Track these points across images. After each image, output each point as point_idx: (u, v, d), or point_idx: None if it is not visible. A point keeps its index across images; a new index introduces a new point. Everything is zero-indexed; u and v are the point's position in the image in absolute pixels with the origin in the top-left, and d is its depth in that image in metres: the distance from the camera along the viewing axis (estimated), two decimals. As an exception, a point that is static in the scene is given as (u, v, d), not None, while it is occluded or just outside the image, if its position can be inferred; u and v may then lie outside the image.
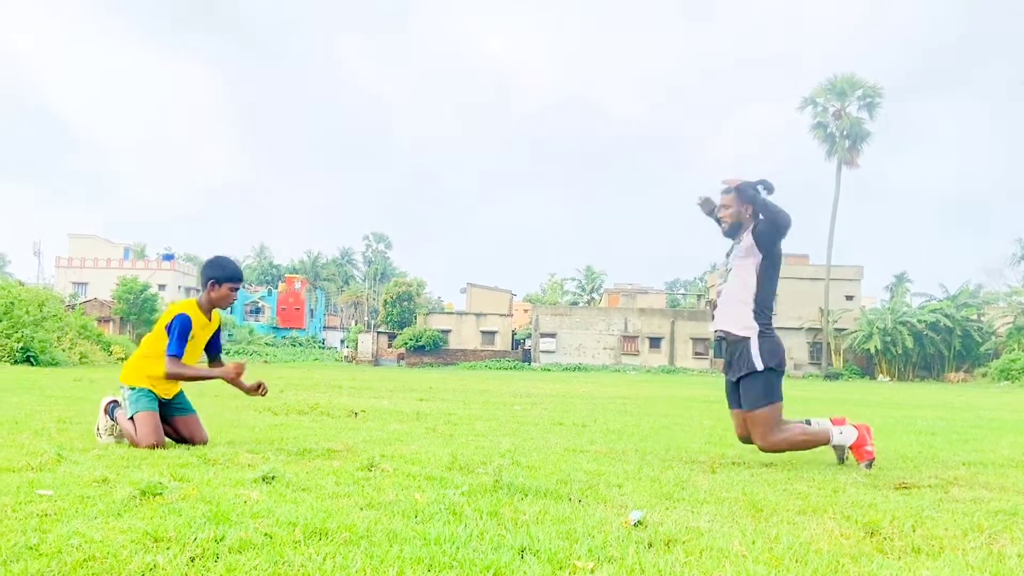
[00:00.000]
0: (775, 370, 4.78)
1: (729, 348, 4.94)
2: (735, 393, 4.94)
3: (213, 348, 5.18)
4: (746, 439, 4.94)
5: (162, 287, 72.94)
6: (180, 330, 4.78)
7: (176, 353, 4.76)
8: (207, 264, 4.99)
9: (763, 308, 4.83)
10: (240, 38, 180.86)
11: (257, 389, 5.00)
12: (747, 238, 4.84)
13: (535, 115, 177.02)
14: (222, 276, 4.91)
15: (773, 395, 4.75)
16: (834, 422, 4.94)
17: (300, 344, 77.85)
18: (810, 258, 58.47)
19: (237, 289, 5.02)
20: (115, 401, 4.99)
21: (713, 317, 5.09)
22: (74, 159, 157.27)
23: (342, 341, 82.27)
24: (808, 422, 4.93)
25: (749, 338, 4.78)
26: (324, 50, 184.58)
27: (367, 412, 8.44)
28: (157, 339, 4.87)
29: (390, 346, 64.63)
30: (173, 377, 4.80)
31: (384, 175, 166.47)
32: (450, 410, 9.33)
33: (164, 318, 4.89)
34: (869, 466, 4.79)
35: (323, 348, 79.17)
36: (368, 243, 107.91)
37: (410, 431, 6.43)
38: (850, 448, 4.89)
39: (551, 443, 5.78)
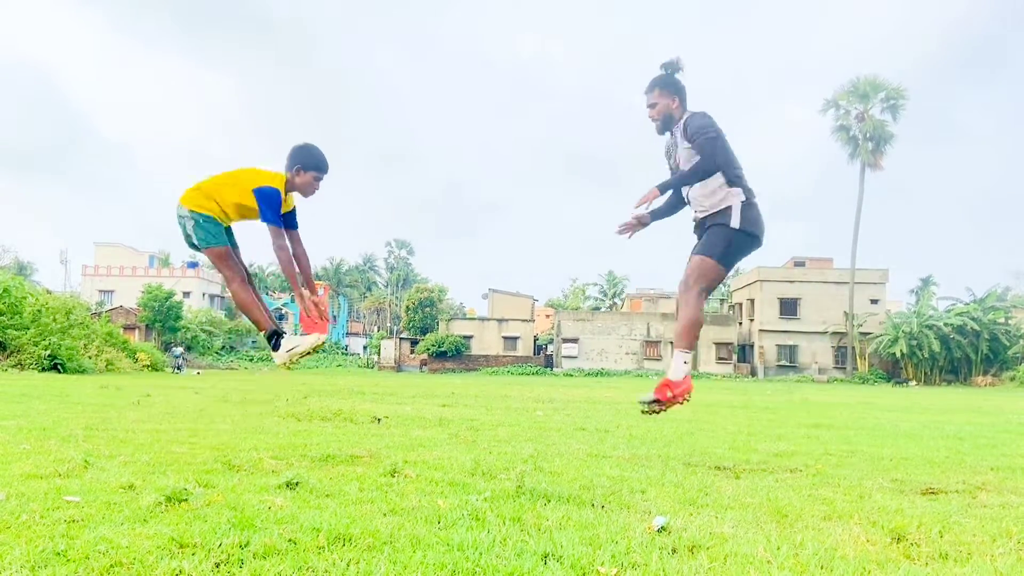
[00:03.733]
0: (746, 234, 4.58)
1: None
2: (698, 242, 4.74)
3: (291, 224, 4.96)
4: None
5: (187, 294, 73.53)
6: (273, 203, 4.61)
7: (279, 223, 4.59)
8: (296, 149, 4.78)
9: (732, 173, 4.60)
10: (266, 44, 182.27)
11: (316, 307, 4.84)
12: (683, 143, 4.64)
13: (558, 119, 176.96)
14: (309, 163, 4.72)
15: (726, 256, 4.56)
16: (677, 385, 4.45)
17: (323, 350, 78.09)
18: (834, 261, 58.02)
19: (320, 179, 4.84)
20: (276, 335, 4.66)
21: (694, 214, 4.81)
22: (100, 167, 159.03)
23: (365, 347, 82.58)
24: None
25: (732, 204, 4.56)
26: (350, 55, 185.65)
27: (390, 418, 8.46)
28: (232, 187, 4.65)
29: (412, 352, 64.72)
30: (280, 248, 4.60)
31: (406, 181, 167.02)
32: (472, 416, 9.33)
33: (248, 177, 4.66)
34: (653, 405, 4.32)
35: (346, 354, 79.45)
36: (390, 249, 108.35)
37: (433, 437, 6.44)
38: (665, 385, 4.41)
39: (573, 449, 5.77)
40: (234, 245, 4.86)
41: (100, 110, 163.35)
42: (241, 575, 2.18)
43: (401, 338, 67.78)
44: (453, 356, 60.05)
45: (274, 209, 4.60)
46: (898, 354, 50.05)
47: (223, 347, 63.83)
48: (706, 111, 4.72)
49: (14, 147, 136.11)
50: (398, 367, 62.90)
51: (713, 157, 4.54)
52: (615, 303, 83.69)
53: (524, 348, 61.78)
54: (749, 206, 4.62)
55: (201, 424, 7.01)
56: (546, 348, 65.85)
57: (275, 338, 4.65)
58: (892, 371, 52.46)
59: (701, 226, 4.80)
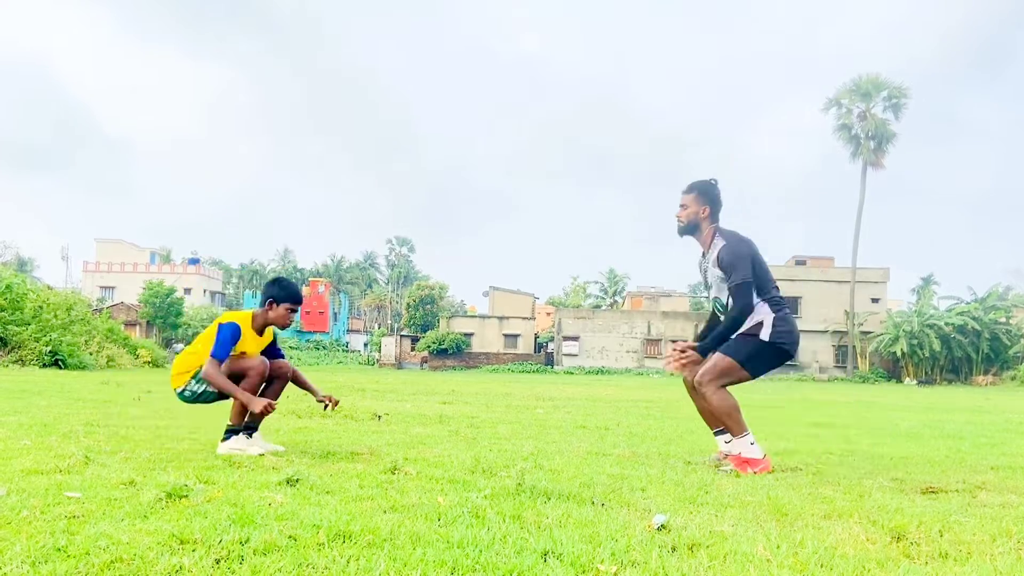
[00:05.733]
0: (776, 347, 4.66)
1: None
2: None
3: (275, 354, 5.13)
4: (692, 386, 4.85)
5: (188, 291, 73.63)
6: (229, 335, 4.74)
7: (218, 356, 4.69)
8: (269, 283, 4.98)
9: (764, 293, 4.71)
10: (268, 39, 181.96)
11: (328, 401, 5.03)
12: (715, 270, 4.79)
13: (559, 116, 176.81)
14: (282, 296, 4.90)
15: (751, 362, 4.65)
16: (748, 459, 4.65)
17: (324, 347, 78.20)
18: (835, 260, 57.99)
19: (295, 311, 4.99)
20: (232, 431, 4.85)
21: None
22: (101, 163, 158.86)
23: (365, 344, 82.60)
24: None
25: (762, 320, 4.67)
26: (352, 51, 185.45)
27: (390, 415, 8.47)
28: (207, 339, 4.82)
29: (413, 349, 64.74)
30: (207, 377, 4.70)
31: (407, 178, 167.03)
32: (473, 413, 9.34)
33: (216, 323, 4.84)
34: (733, 473, 4.54)
35: (347, 351, 79.47)
36: (391, 247, 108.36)
37: (433, 434, 6.45)
38: (740, 456, 4.66)
39: (574, 446, 5.77)
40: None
41: (102, 105, 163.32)
42: (241, 571, 2.18)
43: (402, 335, 67.81)
44: (454, 353, 60.03)
45: (225, 344, 4.74)
46: (899, 353, 50.03)
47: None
48: (741, 237, 4.80)
49: (15, 143, 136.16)
50: (399, 364, 62.91)
51: (744, 303, 4.62)
52: (616, 301, 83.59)
53: (525, 346, 61.78)
54: (782, 320, 4.65)
55: (201, 420, 7.02)
56: (547, 346, 65.85)
57: (236, 433, 4.74)
58: (893, 370, 52.41)
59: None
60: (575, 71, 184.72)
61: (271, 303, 4.90)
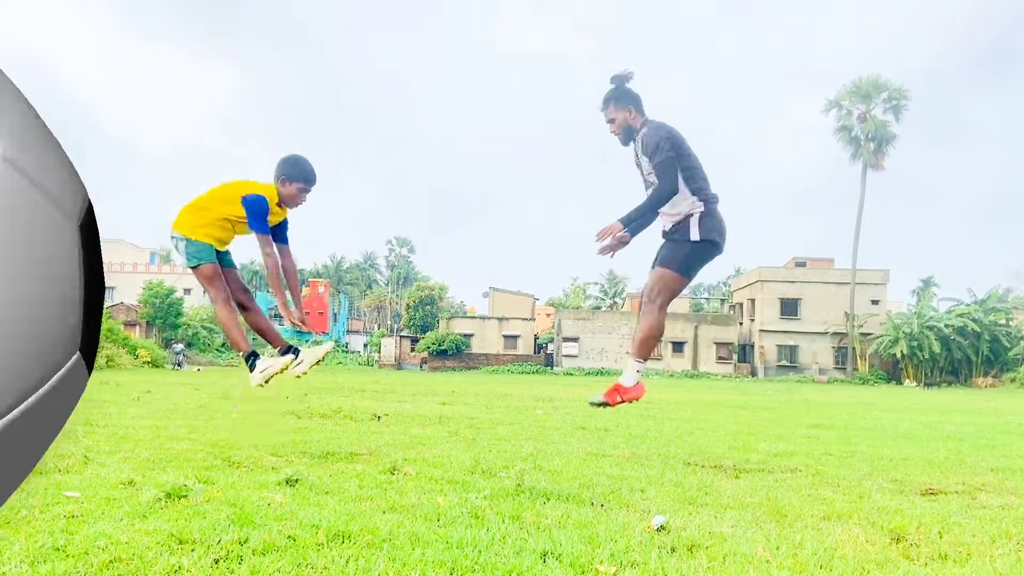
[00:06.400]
0: (707, 242, 4.63)
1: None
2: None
3: (280, 238, 5.02)
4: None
5: (187, 291, 73.54)
6: (260, 210, 4.67)
7: (266, 231, 4.66)
8: (283, 160, 4.84)
9: (692, 183, 4.65)
10: (268, 38, 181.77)
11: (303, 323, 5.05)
12: (643, 157, 4.73)
13: (560, 115, 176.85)
14: (294, 175, 4.78)
15: (686, 266, 4.65)
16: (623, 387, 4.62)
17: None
18: (835, 262, 57.99)
19: (307, 191, 4.86)
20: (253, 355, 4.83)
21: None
22: (101, 162, 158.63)
23: (365, 345, 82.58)
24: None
25: (692, 215, 4.64)
26: (352, 52, 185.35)
27: (390, 416, 8.46)
28: (223, 200, 4.71)
29: (413, 350, 64.73)
30: (267, 255, 4.70)
31: (408, 179, 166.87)
32: (472, 414, 9.33)
33: (238, 188, 4.73)
34: (600, 405, 4.63)
35: (346, 352, 79.46)
36: (391, 247, 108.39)
37: (432, 435, 6.45)
38: (617, 384, 4.60)
39: (573, 447, 5.77)
40: (229, 265, 4.91)
41: (101, 104, 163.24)
42: (240, 571, 2.18)
43: (401, 336, 67.82)
44: (453, 354, 60.02)
45: (259, 217, 4.68)
46: (898, 355, 50.01)
47: (223, 344, 63.79)
48: (662, 122, 4.80)
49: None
50: (398, 365, 62.90)
51: (669, 181, 4.61)
52: (616, 302, 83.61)
53: (524, 347, 61.76)
54: (708, 215, 4.69)
55: (201, 420, 7.02)
56: (546, 347, 65.84)
57: (252, 359, 4.71)
58: (893, 372, 52.40)
59: (666, 235, 4.84)
60: (575, 71, 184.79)
61: (284, 181, 4.79)
